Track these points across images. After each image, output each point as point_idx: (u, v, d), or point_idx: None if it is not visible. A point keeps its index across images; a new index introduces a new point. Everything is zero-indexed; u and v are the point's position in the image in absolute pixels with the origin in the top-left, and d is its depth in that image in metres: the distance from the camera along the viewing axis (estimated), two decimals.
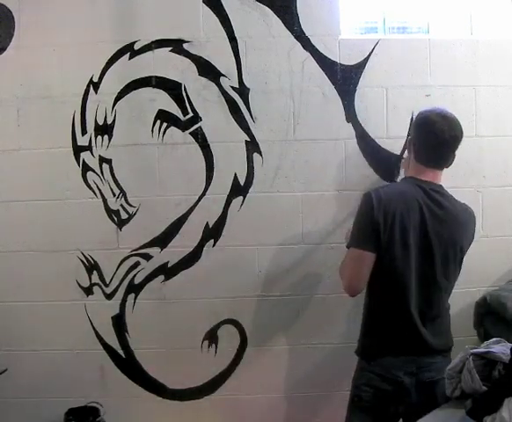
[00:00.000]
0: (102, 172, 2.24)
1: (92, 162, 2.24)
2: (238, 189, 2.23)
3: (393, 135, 2.22)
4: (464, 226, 1.75)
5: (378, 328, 1.74)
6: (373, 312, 1.76)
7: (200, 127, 2.22)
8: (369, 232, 1.66)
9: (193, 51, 2.20)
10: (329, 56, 2.20)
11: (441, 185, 1.74)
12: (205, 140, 2.22)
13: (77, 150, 2.23)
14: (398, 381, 1.67)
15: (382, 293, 1.72)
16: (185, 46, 2.19)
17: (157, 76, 2.20)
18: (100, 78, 2.21)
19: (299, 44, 2.19)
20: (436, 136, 1.70)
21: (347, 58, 2.20)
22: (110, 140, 2.23)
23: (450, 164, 1.78)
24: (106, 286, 2.26)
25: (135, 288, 2.26)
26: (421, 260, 1.67)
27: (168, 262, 2.25)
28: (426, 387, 1.69)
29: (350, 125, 2.22)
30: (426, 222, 1.66)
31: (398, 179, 2.10)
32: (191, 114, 2.21)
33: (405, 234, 1.65)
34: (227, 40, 2.19)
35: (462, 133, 1.75)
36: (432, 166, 1.73)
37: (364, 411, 1.72)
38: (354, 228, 1.73)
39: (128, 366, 2.29)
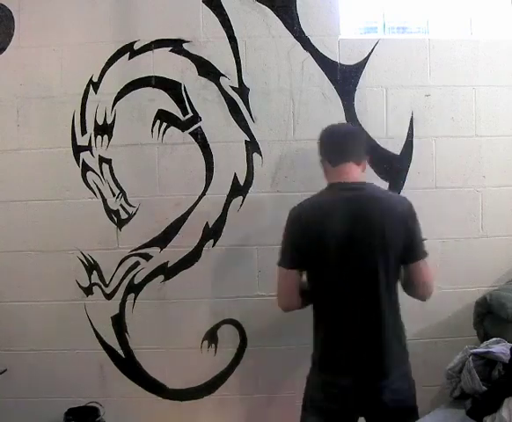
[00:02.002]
0: (102, 172, 2.24)
1: (92, 162, 2.24)
2: (238, 189, 2.23)
3: (393, 135, 2.22)
4: (393, 215, 1.63)
5: (319, 343, 1.70)
6: (315, 326, 1.73)
7: (199, 127, 2.22)
8: (290, 250, 1.66)
9: (193, 51, 2.20)
10: (329, 56, 2.20)
11: (359, 181, 1.69)
12: (205, 140, 2.22)
13: (77, 150, 2.23)
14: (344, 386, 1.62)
15: (318, 306, 1.70)
16: (185, 46, 2.19)
17: (156, 76, 2.20)
18: (100, 78, 2.21)
19: (299, 44, 2.20)
20: (332, 133, 1.77)
21: (347, 58, 2.20)
22: (110, 140, 2.23)
23: (362, 159, 1.73)
24: (106, 286, 2.26)
25: (134, 288, 2.26)
26: (351, 264, 1.61)
27: (168, 262, 2.25)
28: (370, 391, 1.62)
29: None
30: (349, 224, 1.60)
31: None
32: (191, 114, 2.21)
33: (328, 244, 1.60)
34: (227, 39, 2.19)
35: (359, 128, 1.86)
36: (344, 160, 1.69)
37: (317, 414, 1.69)
38: (280, 246, 1.71)
39: (128, 366, 2.29)
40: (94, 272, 2.25)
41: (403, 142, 2.22)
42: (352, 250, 1.60)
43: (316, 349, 1.71)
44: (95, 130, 2.22)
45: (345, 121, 2.20)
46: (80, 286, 2.26)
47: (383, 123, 2.22)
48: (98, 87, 2.21)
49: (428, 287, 1.72)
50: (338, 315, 1.64)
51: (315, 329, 1.73)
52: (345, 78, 2.20)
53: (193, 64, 2.20)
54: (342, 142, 1.74)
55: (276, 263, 1.70)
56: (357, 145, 1.77)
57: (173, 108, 2.21)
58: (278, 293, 1.72)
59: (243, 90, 2.21)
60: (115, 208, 2.24)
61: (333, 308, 1.65)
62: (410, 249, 1.64)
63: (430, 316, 2.26)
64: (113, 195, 2.24)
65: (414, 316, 2.24)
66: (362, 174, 1.73)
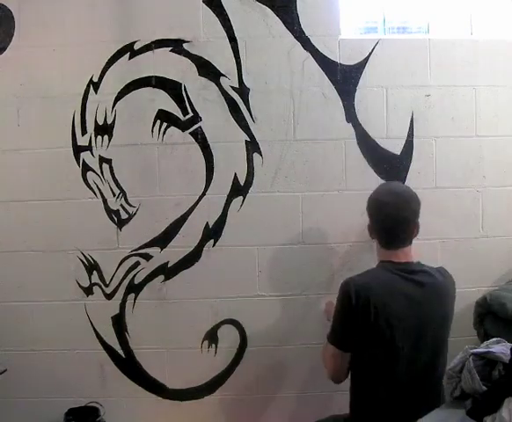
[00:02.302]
0: (102, 172, 2.23)
1: (92, 162, 2.24)
2: (238, 189, 2.23)
3: (393, 135, 2.22)
4: (448, 294, 1.69)
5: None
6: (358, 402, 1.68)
7: (200, 127, 2.22)
8: (347, 330, 1.60)
9: (193, 51, 2.20)
10: (329, 56, 2.19)
11: (414, 263, 1.66)
12: (205, 140, 2.22)
13: (77, 150, 2.23)
14: None
15: (369, 385, 1.64)
16: (185, 46, 2.19)
17: (156, 76, 2.20)
18: (100, 78, 2.21)
19: (299, 44, 2.19)
20: (390, 219, 1.65)
21: (347, 58, 2.20)
22: (110, 140, 2.22)
23: (416, 235, 1.71)
24: (106, 286, 2.26)
25: (135, 288, 2.26)
26: (412, 352, 1.59)
27: (168, 262, 2.25)
28: None
29: (350, 125, 2.22)
30: (410, 308, 1.57)
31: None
32: (191, 114, 2.21)
33: (391, 328, 1.56)
34: (227, 39, 2.19)
35: (417, 203, 1.69)
36: (396, 247, 1.66)
37: None
38: (334, 321, 1.65)
39: (128, 366, 2.29)
40: (94, 272, 2.25)
41: (403, 142, 2.22)
42: (418, 337, 1.58)
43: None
44: (95, 130, 2.22)
45: (348, 120, 2.20)
46: (80, 286, 2.26)
47: (383, 123, 2.22)
48: (98, 87, 2.21)
49: None
50: (392, 399, 1.61)
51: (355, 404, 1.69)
52: (345, 78, 2.20)
53: (193, 64, 2.20)
54: (401, 230, 1.65)
55: (327, 337, 1.67)
56: (413, 225, 1.67)
57: (173, 108, 2.21)
58: (330, 369, 1.68)
59: (243, 90, 2.20)
60: (115, 208, 2.24)
61: (389, 392, 1.61)
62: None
63: None
64: (114, 195, 2.24)
65: None
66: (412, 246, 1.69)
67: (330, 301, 1.93)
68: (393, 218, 1.63)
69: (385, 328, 1.56)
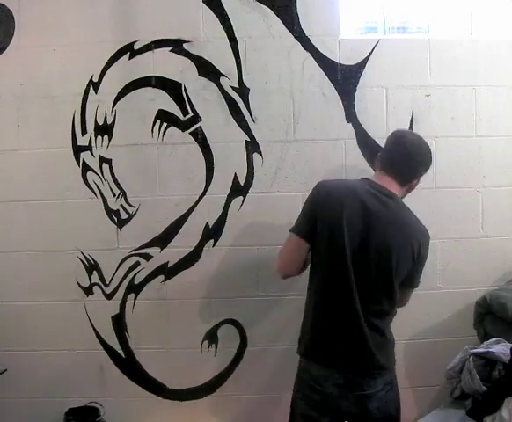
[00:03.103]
0: (102, 172, 2.24)
1: (92, 162, 2.24)
2: (238, 189, 2.23)
3: None
4: (409, 236, 1.64)
5: (311, 326, 1.69)
6: (306, 308, 1.73)
7: (200, 127, 2.22)
8: (306, 220, 1.67)
9: (193, 51, 2.20)
10: (329, 56, 2.20)
11: (394, 193, 1.68)
12: (205, 140, 2.22)
13: (77, 150, 2.23)
14: (327, 393, 1.63)
15: (316, 286, 1.69)
16: (185, 46, 2.19)
17: (156, 76, 2.20)
18: (100, 78, 2.21)
19: (299, 44, 2.19)
20: (404, 149, 1.70)
21: (347, 58, 2.20)
22: (110, 140, 2.23)
23: (410, 189, 1.76)
24: (106, 286, 2.26)
25: (135, 288, 2.26)
26: (358, 261, 1.60)
27: (168, 262, 2.25)
28: (356, 399, 1.63)
29: (350, 125, 2.22)
30: (366, 220, 1.60)
31: None
32: (191, 114, 2.21)
33: (341, 229, 1.59)
34: (227, 39, 2.19)
35: (427, 161, 1.74)
36: (391, 175, 1.69)
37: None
38: (301, 213, 1.73)
39: (128, 366, 2.29)
40: (94, 272, 2.25)
41: None
42: (361, 249, 1.60)
43: (304, 332, 1.72)
44: (95, 130, 2.22)
45: (348, 120, 2.21)
46: (80, 286, 2.26)
47: (383, 123, 2.22)
48: (98, 87, 2.21)
49: (401, 306, 1.78)
50: (331, 303, 1.65)
51: (306, 310, 1.73)
52: (345, 78, 2.20)
53: (193, 64, 2.20)
54: (407, 163, 1.71)
55: (289, 229, 1.71)
56: (413, 173, 1.73)
57: (173, 108, 2.21)
58: (282, 259, 1.73)
59: (243, 90, 2.21)
60: (115, 208, 2.24)
61: (328, 295, 1.65)
62: (409, 278, 1.68)
63: (430, 316, 2.26)
64: (114, 195, 2.24)
65: (414, 316, 2.25)
66: (402, 191, 1.73)
67: None
68: (403, 157, 1.70)
69: (335, 222, 1.60)
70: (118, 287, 2.26)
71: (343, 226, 1.60)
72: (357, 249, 1.60)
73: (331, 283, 1.64)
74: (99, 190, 2.24)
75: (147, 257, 2.25)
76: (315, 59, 2.20)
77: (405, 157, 1.70)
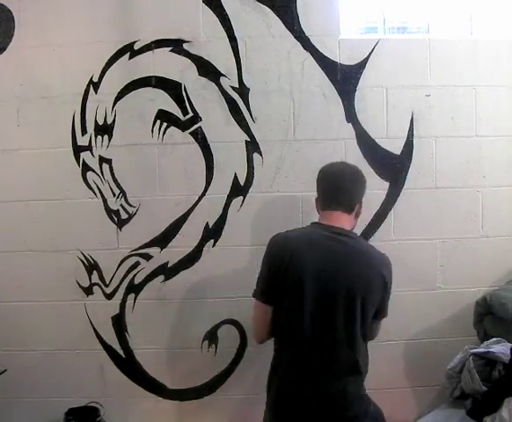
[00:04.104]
0: (102, 172, 2.24)
1: (92, 162, 2.24)
2: (238, 189, 2.23)
3: (393, 135, 2.22)
4: (372, 269, 1.60)
5: (275, 384, 1.64)
6: (272, 365, 1.68)
7: (200, 127, 2.22)
8: (266, 283, 1.62)
9: (193, 51, 2.20)
10: (329, 56, 2.20)
11: (345, 229, 1.64)
12: (205, 140, 2.22)
13: (77, 150, 2.23)
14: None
15: (279, 343, 1.65)
16: (185, 46, 2.19)
17: (156, 76, 2.20)
18: (100, 78, 2.21)
19: (299, 44, 2.20)
20: (332, 176, 1.71)
21: (347, 58, 2.20)
22: (110, 140, 2.23)
23: (357, 215, 1.71)
24: (106, 286, 2.26)
25: (135, 288, 2.26)
26: (319, 307, 1.56)
27: (168, 262, 2.25)
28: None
29: (350, 125, 2.22)
30: (325, 263, 1.56)
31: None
32: (191, 114, 2.21)
33: (300, 278, 1.55)
34: (227, 39, 2.19)
35: (360, 180, 1.72)
36: (332, 207, 1.66)
37: None
38: (260, 276, 1.66)
39: (128, 366, 2.29)
40: (94, 272, 2.25)
41: (403, 142, 2.22)
42: (325, 283, 1.56)
43: (270, 392, 1.67)
44: (95, 130, 2.22)
45: (348, 120, 2.20)
46: (80, 286, 2.26)
47: (383, 123, 2.22)
48: (98, 87, 2.21)
49: (371, 339, 1.73)
50: (297, 358, 1.59)
51: (272, 368, 1.68)
52: (345, 78, 2.20)
53: (193, 64, 2.20)
54: (341, 188, 1.68)
55: (252, 294, 1.66)
56: (350, 195, 1.69)
57: (173, 108, 2.21)
58: (254, 327, 1.69)
59: (243, 90, 2.21)
60: (115, 208, 2.24)
61: (294, 350, 1.60)
62: (380, 309, 1.65)
63: (430, 316, 2.26)
64: (114, 195, 2.24)
65: (414, 317, 2.25)
66: (352, 221, 1.70)
67: None
68: (334, 183, 1.70)
69: (295, 272, 1.56)
70: (118, 287, 2.26)
71: (304, 279, 1.55)
72: (321, 298, 1.55)
73: (295, 342, 1.60)
74: (99, 190, 2.24)
75: (147, 257, 2.25)
76: (315, 59, 2.20)
77: (337, 185, 1.69)
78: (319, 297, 1.56)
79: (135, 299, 2.26)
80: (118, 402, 2.27)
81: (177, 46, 2.19)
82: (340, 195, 1.68)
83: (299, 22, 2.19)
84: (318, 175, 1.76)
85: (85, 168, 2.24)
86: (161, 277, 2.25)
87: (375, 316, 1.64)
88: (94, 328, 2.27)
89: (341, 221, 1.65)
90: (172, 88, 2.20)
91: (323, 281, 1.55)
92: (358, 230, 2.10)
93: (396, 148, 2.22)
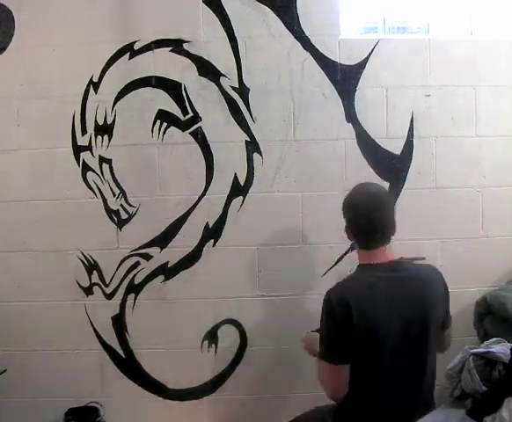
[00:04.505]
0: (102, 172, 2.24)
1: (92, 162, 2.24)
2: (238, 189, 2.23)
3: (393, 135, 2.22)
4: (434, 284, 1.63)
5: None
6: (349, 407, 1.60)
7: (200, 127, 2.22)
8: (337, 342, 1.53)
9: (193, 51, 2.20)
10: (329, 56, 2.20)
11: (394, 261, 1.62)
12: (205, 140, 2.22)
13: (77, 150, 2.23)
14: None
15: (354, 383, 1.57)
16: (185, 46, 2.19)
17: (156, 76, 2.20)
18: (100, 78, 2.21)
19: (299, 44, 2.19)
20: (365, 220, 1.60)
21: (347, 58, 2.20)
22: (110, 140, 2.23)
23: (393, 233, 1.65)
24: (106, 286, 2.26)
25: (135, 288, 2.26)
26: (399, 347, 1.54)
27: (168, 262, 2.25)
28: None
29: (350, 125, 2.22)
30: (396, 307, 1.53)
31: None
32: (191, 114, 2.21)
33: (377, 330, 1.51)
34: (227, 39, 2.19)
35: (391, 203, 1.73)
36: (374, 247, 1.61)
37: None
38: (322, 338, 1.58)
39: (128, 366, 2.29)
40: (94, 272, 2.25)
41: (403, 142, 2.22)
42: (406, 334, 1.54)
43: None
44: (95, 130, 2.22)
45: (348, 120, 2.20)
46: (80, 286, 2.26)
47: (383, 123, 2.22)
48: (98, 87, 2.21)
49: (448, 346, 1.77)
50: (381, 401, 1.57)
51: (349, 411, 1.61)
52: (345, 78, 2.20)
53: (193, 64, 2.20)
54: (379, 229, 1.61)
55: (320, 357, 1.57)
56: (388, 229, 1.63)
57: (173, 108, 2.21)
58: (329, 388, 1.59)
59: (243, 90, 2.21)
60: (115, 208, 2.24)
61: (378, 396, 1.57)
62: (446, 317, 1.68)
63: None
64: (114, 195, 2.24)
65: None
66: (390, 248, 1.66)
67: (307, 338, 1.89)
68: (369, 219, 1.60)
69: (369, 332, 1.52)
70: (118, 287, 2.26)
71: (378, 327, 1.51)
72: (400, 339, 1.54)
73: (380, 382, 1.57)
74: (99, 190, 2.24)
75: (147, 257, 2.25)
76: (315, 59, 2.20)
77: (373, 225, 1.60)
78: (398, 339, 1.53)
79: (135, 299, 2.26)
80: (118, 402, 2.27)
81: (177, 46, 2.19)
82: (378, 233, 1.61)
83: (299, 22, 2.19)
84: (344, 205, 1.67)
85: (85, 168, 2.24)
86: (161, 277, 2.25)
87: (443, 325, 1.67)
88: (94, 328, 2.27)
89: (387, 255, 1.62)
90: (172, 88, 2.20)
91: (396, 323, 1.53)
92: None
93: (396, 148, 2.22)
